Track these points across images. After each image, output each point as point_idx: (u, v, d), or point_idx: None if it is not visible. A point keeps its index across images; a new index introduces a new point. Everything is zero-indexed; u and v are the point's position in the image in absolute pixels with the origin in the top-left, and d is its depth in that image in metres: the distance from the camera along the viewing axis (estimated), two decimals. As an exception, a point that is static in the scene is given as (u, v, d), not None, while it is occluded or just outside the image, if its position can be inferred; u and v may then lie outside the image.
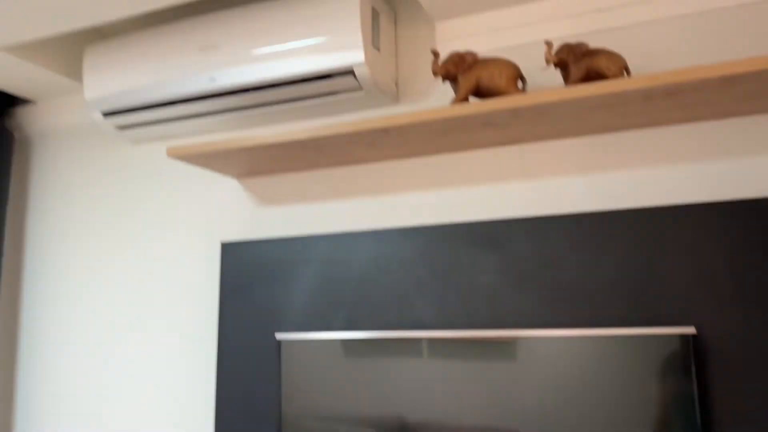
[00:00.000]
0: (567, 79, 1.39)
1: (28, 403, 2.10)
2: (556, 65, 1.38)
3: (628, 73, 1.38)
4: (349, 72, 1.61)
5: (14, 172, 2.26)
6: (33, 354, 2.12)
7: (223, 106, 1.79)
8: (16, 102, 2.23)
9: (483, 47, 1.66)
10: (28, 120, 2.25)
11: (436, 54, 1.46)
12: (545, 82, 1.59)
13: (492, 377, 1.46)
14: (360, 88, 1.66)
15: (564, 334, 1.40)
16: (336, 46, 1.60)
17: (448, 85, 1.71)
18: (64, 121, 2.20)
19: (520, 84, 1.56)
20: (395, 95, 1.75)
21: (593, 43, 1.55)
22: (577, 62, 1.35)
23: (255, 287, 1.75)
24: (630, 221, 1.41)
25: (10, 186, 2.14)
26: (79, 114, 2.18)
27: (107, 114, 1.89)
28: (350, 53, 1.59)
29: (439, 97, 1.72)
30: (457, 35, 1.68)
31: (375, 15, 1.66)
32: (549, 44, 1.36)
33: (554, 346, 1.42)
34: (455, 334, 1.50)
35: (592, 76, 1.35)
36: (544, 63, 1.59)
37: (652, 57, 1.50)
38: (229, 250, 1.81)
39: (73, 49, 2.01)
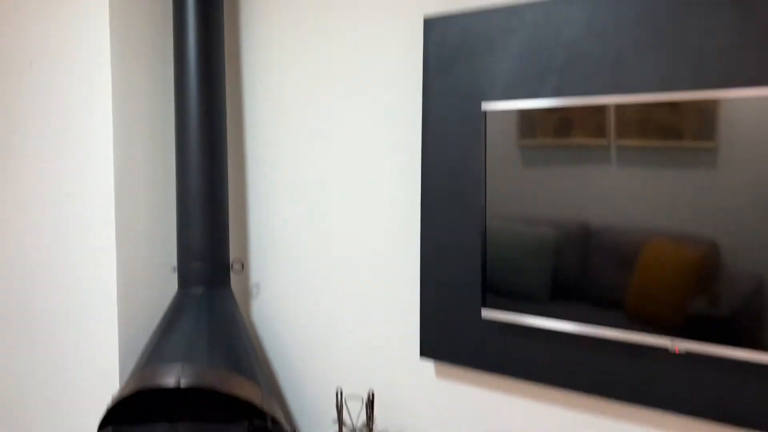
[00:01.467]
0: None
1: (258, 225, 2.32)
2: None
3: None
4: None
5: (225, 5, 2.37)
6: (258, 177, 2.30)
7: None
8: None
9: None
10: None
11: None
12: None
13: (691, 177, 1.35)
14: None
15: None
16: None
17: None
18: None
19: None
20: None
21: None
22: None
23: (460, 60, 1.72)
24: None
25: (223, 16, 2.25)
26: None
27: None
28: None
29: None
30: None
31: None
32: None
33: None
34: (679, 96, 1.39)
35: None
36: None
37: None
38: (432, 25, 1.78)
39: None
